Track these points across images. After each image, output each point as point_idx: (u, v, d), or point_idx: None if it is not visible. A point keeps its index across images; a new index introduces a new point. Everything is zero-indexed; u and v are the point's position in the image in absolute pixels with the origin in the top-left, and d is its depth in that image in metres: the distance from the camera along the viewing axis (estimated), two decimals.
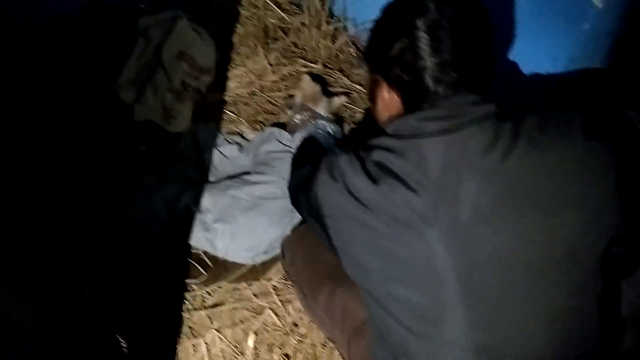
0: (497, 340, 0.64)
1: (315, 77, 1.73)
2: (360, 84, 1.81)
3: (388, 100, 0.78)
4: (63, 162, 1.44)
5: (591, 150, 0.65)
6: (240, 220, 1.30)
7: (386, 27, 0.77)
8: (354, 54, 1.91)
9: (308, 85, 1.45)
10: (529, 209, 0.63)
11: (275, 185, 1.34)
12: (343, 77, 1.80)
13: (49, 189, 1.38)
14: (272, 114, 1.71)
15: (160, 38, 1.57)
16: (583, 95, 1.20)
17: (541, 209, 0.63)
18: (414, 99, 0.74)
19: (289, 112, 1.54)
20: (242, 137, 1.63)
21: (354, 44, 0.88)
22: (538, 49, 1.20)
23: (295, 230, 1.26)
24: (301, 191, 0.87)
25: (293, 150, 1.25)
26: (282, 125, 1.61)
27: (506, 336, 0.64)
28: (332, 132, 1.32)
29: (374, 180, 0.68)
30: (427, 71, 0.70)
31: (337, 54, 1.89)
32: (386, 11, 0.79)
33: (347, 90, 1.77)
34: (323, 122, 1.33)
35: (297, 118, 1.40)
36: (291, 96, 1.71)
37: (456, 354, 0.65)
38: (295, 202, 0.95)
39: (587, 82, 1.19)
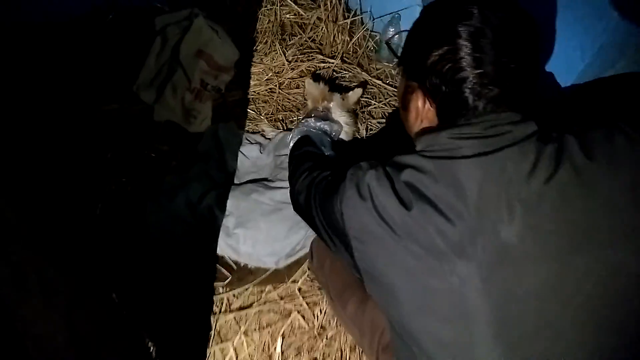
0: None
1: (319, 76, 1.72)
2: (379, 78, 1.78)
3: (422, 110, 0.73)
4: (84, 165, 1.44)
5: (638, 178, 0.60)
6: (261, 226, 1.29)
7: (425, 31, 0.72)
8: (372, 48, 1.88)
9: (312, 87, 1.42)
10: (572, 242, 0.59)
11: None
12: (362, 72, 1.77)
13: (71, 193, 1.38)
14: (291, 111, 1.68)
15: (178, 37, 1.55)
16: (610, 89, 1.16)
17: (586, 242, 0.59)
18: (451, 112, 0.68)
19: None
20: (263, 135, 1.61)
21: (387, 45, 0.84)
22: (569, 39, 1.16)
23: None
24: (312, 201, 0.83)
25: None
26: None
27: None
28: (327, 130, 1.29)
29: (405, 204, 0.63)
30: (467, 83, 0.65)
31: (355, 49, 1.86)
32: (426, 14, 0.75)
33: (366, 84, 1.75)
34: (313, 120, 1.29)
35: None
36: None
37: None
38: (303, 211, 0.90)
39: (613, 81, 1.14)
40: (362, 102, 1.66)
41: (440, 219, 0.61)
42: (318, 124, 1.28)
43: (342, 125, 1.37)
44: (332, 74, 1.76)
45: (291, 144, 1.22)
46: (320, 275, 1.14)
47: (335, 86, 1.74)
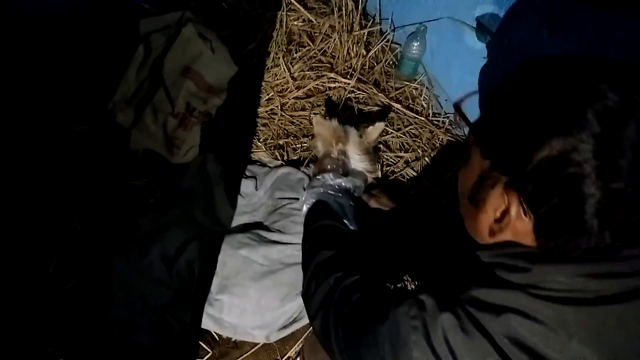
0: None
1: (331, 105, 1.47)
2: (398, 101, 1.53)
3: (509, 219, 0.52)
4: (40, 201, 1.19)
5: None
6: (250, 292, 1.05)
7: (527, 108, 0.50)
8: (391, 62, 1.62)
9: (322, 128, 1.15)
10: None
11: (296, 248, 1.09)
12: (378, 93, 1.52)
13: (18, 240, 1.14)
14: (295, 136, 1.44)
15: (162, 47, 1.30)
16: None
17: None
18: (559, 233, 0.48)
19: (312, 168, 1.25)
20: (261, 165, 1.37)
21: (457, 110, 0.61)
22: None
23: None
24: (335, 341, 0.64)
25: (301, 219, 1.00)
26: (305, 160, 1.35)
27: None
28: (349, 188, 1.05)
29: None
30: (590, 202, 0.44)
31: (372, 63, 1.61)
32: (528, 79, 0.52)
33: (381, 108, 1.49)
34: (331, 176, 1.05)
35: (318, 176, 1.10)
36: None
37: None
38: (320, 339, 0.70)
39: None
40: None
41: None
42: (337, 180, 1.04)
43: (364, 175, 1.12)
44: (345, 94, 1.50)
45: (305, 209, 0.99)
46: None
47: (347, 108, 1.49)
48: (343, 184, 1.03)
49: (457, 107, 0.58)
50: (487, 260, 0.55)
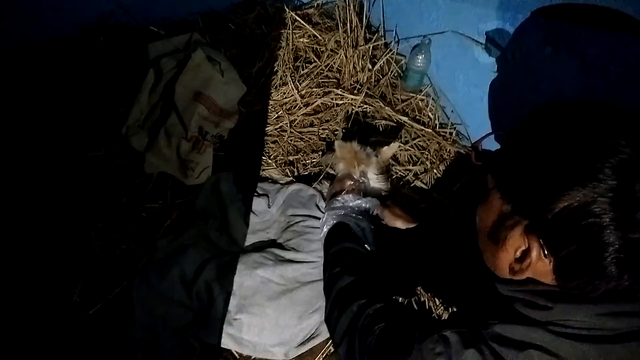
0: None
1: (350, 128, 1.50)
2: (404, 113, 1.55)
3: (529, 260, 0.54)
4: (60, 229, 1.23)
5: None
6: (268, 312, 1.08)
7: (547, 158, 0.52)
8: (396, 74, 1.64)
9: (344, 151, 1.17)
10: None
11: (311, 266, 1.12)
12: (384, 106, 1.54)
13: (40, 271, 1.17)
14: (305, 152, 1.46)
15: (173, 72, 1.34)
16: None
17: None
18: (578, 277, 0.51)
19: (326, 185, 1.28)
20: (272, 182, 1.39)
21: (475, 150, 0.62)
22: None
23: None
24: (362, 349, 0.66)
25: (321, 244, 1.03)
26: (315, 175, 1.38)
27: None
28: (368, 209, 1.08)
29: None
30: (609, 250, 0.47)
31: (378, 76, 1.63)
32: (546, 126, 0.54)
33: (390, 122, 1.52)
34: (352, 197, 1.07)
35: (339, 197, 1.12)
36: (331, 148, 1.46)
37: None
38: (346, 353, 0.72)
39: None
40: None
41: None
42: (357, 202, 1.06)
43: (380, 193, 1.15)
44: (352, 110, 1.53)
45: (325, 229, 1.02)
46: None
47: (355, 122, 1.51)
48: (363, 205, 1.06)
49: (475, 147, 0.59)
50: (507, 293, 0.57)
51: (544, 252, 0.52)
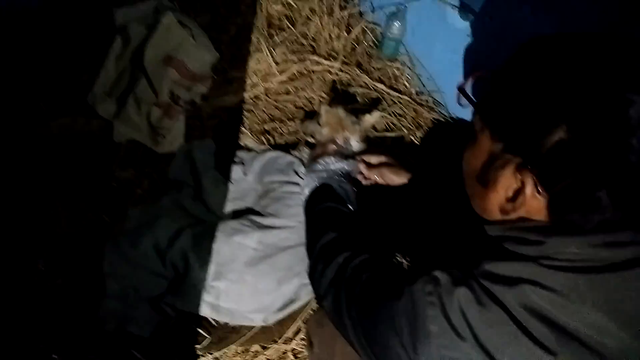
0: None
1: (336, 93, 1.48)
2: (381, 81, 1.53)
3: (522, 198, 0.53)
4: (23, 199, 1.17)
5: None
6: (247, 279, 1.06)
7: (538, 89, 0.50)
8: (372, 43, 1.62)
9: (330, 116, 1.15)
10: None
11: (291, 231, 1.10)
12: (361, 74, 1.52)
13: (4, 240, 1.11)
14: (281, 121, 1.43)
15: (142, 37, 1.28)
16: None
17: None
18: (573, 213, 0.50)
19: (306, 152, 1.25)
20: (248, 150, 1.36)
21: (461, 91, 0.60)
22: None
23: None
24: (347, 317, 0.65)
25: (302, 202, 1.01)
26: (292, 144, 1.36)
27: None
28: (350, 172, 1.06)
29: (542, 344, 0.46)
30: (605, 180, 0.47)
31: (354, 45, 1.60)
32: (537, 58, 0.52)
33: (365, 90, 1.50)
34: (334, 160, 1.06)
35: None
36: (309, 116, 1.43)
37: None
38: (331, 318, 0.71)
39: None
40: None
41: None
42: (339, 165, 1.04)
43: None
44: (329, 77, 1.50)
45: (306, 192, 0.99)
46: None
47: (332, 90, 1.49)
48: (345, 167, 1.04)
49: (461, 88, 0.58)
50: (496, 234, 0.56)
51: (537, 189, 0.51)
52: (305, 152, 1.28)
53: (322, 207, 0.91)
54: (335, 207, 0.91)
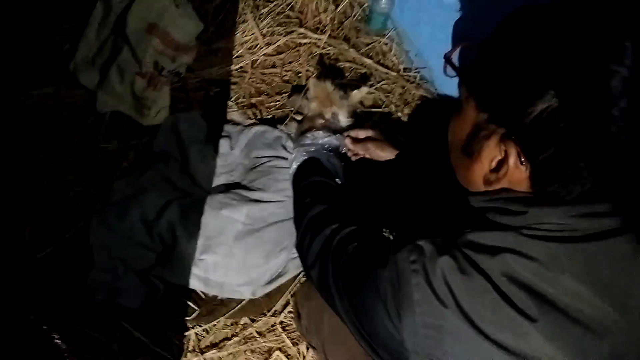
0: None
1: (324, 70, 1.45)
2: (369, 56, 1.53)
3: (506, 168, 0.53)
4: (7, 171, 1.14)
5: None
6: (235, 252, 1.06)
7: (523, 59, 0.51)
8: (360, 17, 1.60)
9: (319, 90, 1.14)
10: None
11: (279, 205, 1.10)
12: (348, 49, 1.51)
13: None
14: (267, 94, 1.42)
15: (124, 4, 1.23)
16: None
17: None
18: (555, 183, 0.51)
19: (293, 126, 1.25)
20: (235, 124, 1.34)
21: (447, 61, 0.60)
22: None
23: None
24: (335, 288, 0.66)
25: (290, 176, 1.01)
26: (279, 118, 1.35)
27: None
28: (337, 146, 1.07)
29: (521, 310, 0.47)
30: (586, 150, 0.48)
31: (341, 19, 1.59)
32: (522, 28, 0.52)
33: (353, 65, 1.49)
34: (322, 133, 1.06)
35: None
36: (296, 90, 1.42)
37: None
38: (318, 289, 0.73)
39: None
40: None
41: (579, 332, 0.47)
42: (327, 139, 1.04)
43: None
44: (316, 50, 1.49)
45: (294, 166, 0.99)
46: (314, 341, 0.93)
47: (321, 64, 1.48)
48: (334, 141, 1.04)
49: (447, 58, 0.57)
50: (479, 205, 0.57)
51: (520, 160, 0.52)
52: (292, 127, 1.28)
53: (310, 181, 0.92)
54: (323, 181, 0.91)
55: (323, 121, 1.11)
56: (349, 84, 1.39)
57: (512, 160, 0.52)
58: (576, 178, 0.49)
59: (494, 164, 0.55)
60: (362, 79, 1.46)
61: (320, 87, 1.13)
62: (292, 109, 1.33)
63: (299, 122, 1.25)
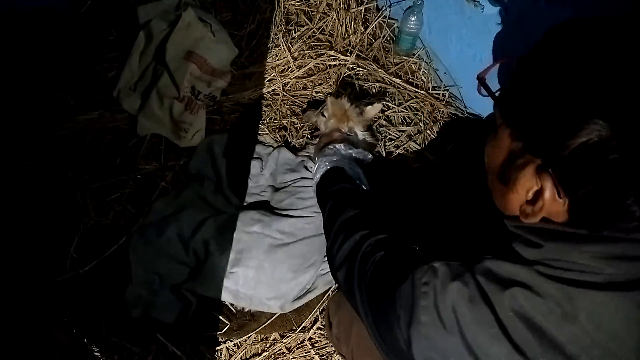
0: None
1: (349, 87, 1.49)
2: (397, 76, 1.55)
3: (543, 201, 0.49)
4: (55, 191, 1.22)
5: None
6: (264, 266, 1.09)
7: (562, 86, 0.45)
8: (389, 38, 1.63)
9: (336, 108, 1.17)
10: None
11: (307, 221, 1.13)
12: (377, 69, 1.54)
13: (38, 227, 1.17)
14: (298, 115, 1.46)
15: (164, 33, 1.32)
16: None
17: None
18: (595, 215, 0.46)
19: (311, 145, 1.29)
20: (265, 146, 1.39)
21: (481, 82, 0.57)
22: None
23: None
24: (358, 291, 0.67)
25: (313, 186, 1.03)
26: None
27: None
28: (360, 159, 1.08)
29: (519, 349, 0.46)
30: (633, 189, 0.42)
31: (370, 40, 1.62)
32: (561, 49, 0.47)
33: (382, 85, 1.51)
34: (344, 146, 1.08)
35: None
36: (312, 105, 1.46)
37: None
38: (343, 291, 0.73)
39: None
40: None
41: None
42: (349, 151, 1.06)
43: (370, 149, 1.15)
44: (345, 71, 1.52)
45: (318, 175, 1.01)
46: (344, 349, 0.94)
47: (348, 85, 1.51)
48: (354, 154, 1.06)
49: (480, 79, 0.55)
50: (512, 230, 0.55)
51: (558, 193, 0.47)
52: (310, 148, 1.31)
53: (337, 188, 0.92)
54: (352, 187, 0.92)
55: (341, 134, 1.13)
56: (364, 100, 1.42)
57: (547, 194, 0.48)
58: (622, 216, 0.43)
59: (530, 195, 0.51)
60: (379, 96, 1.49)
61: (338, 105, 1.17)
62: (308, 123, 1.37)
63: (314, 143, 1.28)
